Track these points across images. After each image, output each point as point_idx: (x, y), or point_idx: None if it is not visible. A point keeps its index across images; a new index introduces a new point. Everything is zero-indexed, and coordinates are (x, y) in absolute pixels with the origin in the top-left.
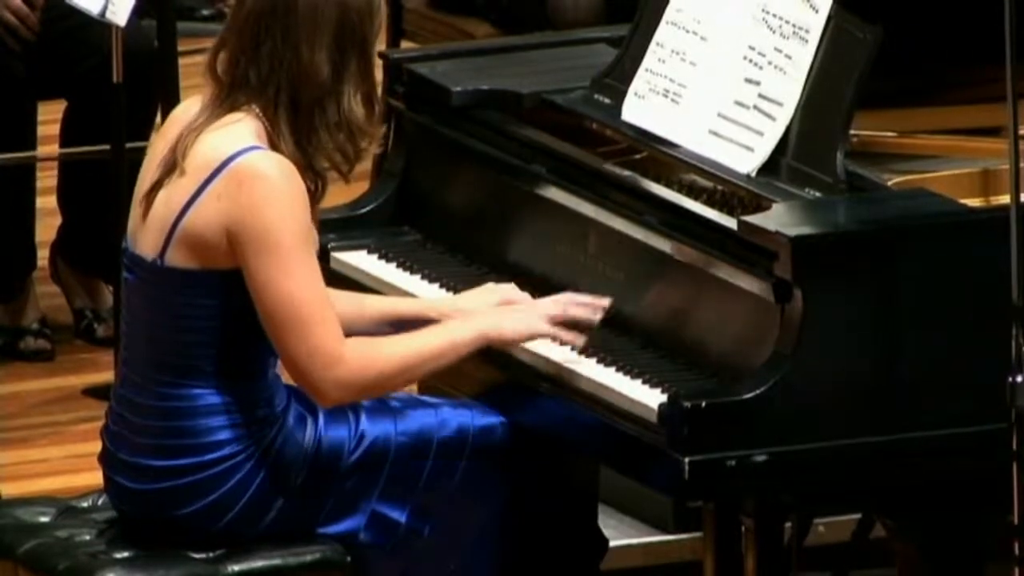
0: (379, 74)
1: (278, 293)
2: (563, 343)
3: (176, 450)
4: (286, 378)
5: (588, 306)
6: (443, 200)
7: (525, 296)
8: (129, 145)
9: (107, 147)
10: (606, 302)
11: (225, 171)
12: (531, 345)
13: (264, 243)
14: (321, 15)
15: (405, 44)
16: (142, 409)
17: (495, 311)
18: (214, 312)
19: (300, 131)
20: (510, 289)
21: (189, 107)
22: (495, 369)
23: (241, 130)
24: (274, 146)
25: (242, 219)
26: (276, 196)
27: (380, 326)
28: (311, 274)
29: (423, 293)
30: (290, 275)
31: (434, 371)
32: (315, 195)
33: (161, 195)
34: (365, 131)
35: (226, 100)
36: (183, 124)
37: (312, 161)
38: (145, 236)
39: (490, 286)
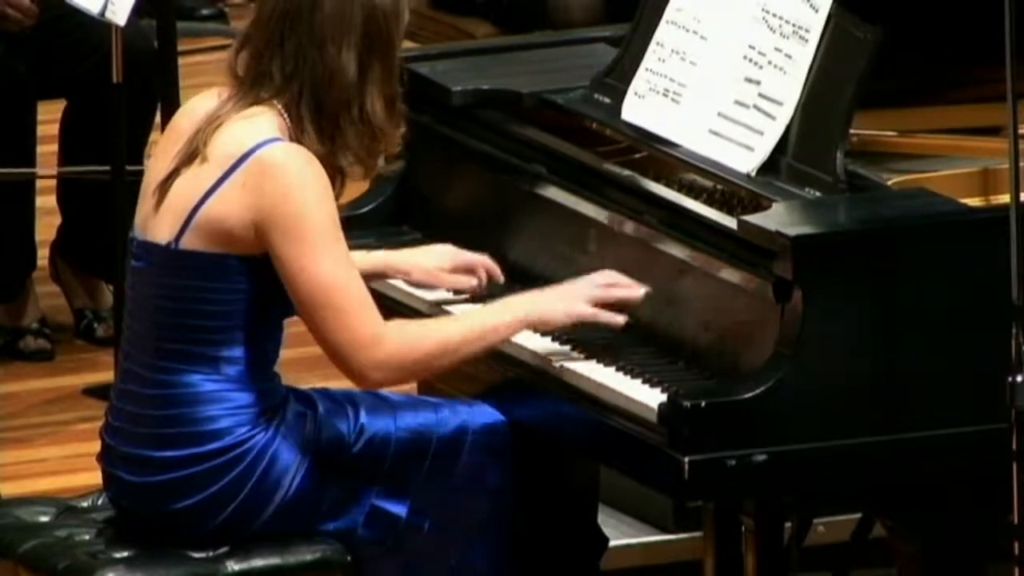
0: None
1: (315, 279)
2: (606, 324)
3: (176, 440)
4: (287, 379)
5: (625, 286)
6: (443, 200)
7: (480, 257)
8: (129, 168)
9: (106, 168)
10: (643, 288)
11: (248, 161)
12: (531, 344)
13: (297, 231)
14: (348, 15)
15: (405, 44)
16: (142, 399)
17: (536, 295)
18: (224, 297)
19: (324, 129)
20: (461, 251)
21: (202, 102)
22: (495, 368)
23: (263, 122)
24: (296, 141)
25: (272, 209)
26: (304, 184)
27: None
28: (345, 258)
29: (422, 292)
30: (325, 260)
31: (473, 354)
32: (335, 189)
33: (179, 182)
34: (385, 132)
35: (247, 95)
36: (198, 118)
37: (335, 158)
38: (159, 223)
39: (443, 247)
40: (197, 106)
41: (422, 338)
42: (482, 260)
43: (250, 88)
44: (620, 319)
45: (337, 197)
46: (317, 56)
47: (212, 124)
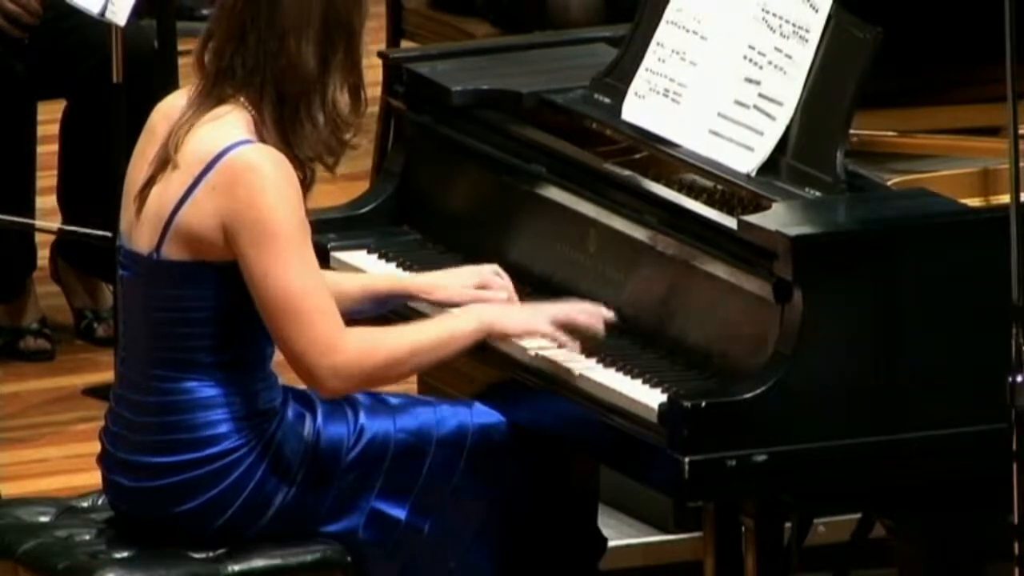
0: (378, 73)
1: (276, 284)
2: (560, 345)
3: (174, 446)
4: (284, 379)
5: (592, 315)
6: (443, 200)
7: (504, 279)
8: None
9: (108, 234)
10: (609, 313)
11: (218, 165)
12: (531, 344)
13: (261, 234)
14: (307, 6)
15: (405, 44)
16: (140, 406)
17: (499, 307)
18: (211, 304)
19: (284, 122)
20: (489, 271)
21: (174, 102)
22: (495, 369)
23: (231, 123)
24: (263, 138)
25: (238, 212)
26: (270, 188)
27: (360, 304)
28: (308, 264)
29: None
30: (288, 266)
31: (434, 362)
32: (303, 185)
33: (155, 190)
34: (349, 123)
35: (213, 92)
36: (171, 119)
37: (296, 152)
38: (140, 232)
39: (470, 268)
40: (169, 106)
41: (381, 346)
42: (505, 285)
43: (215, 84)
44: (575, 344)
45: (306, 196)
46: (277, 48)
47: (183, 128)
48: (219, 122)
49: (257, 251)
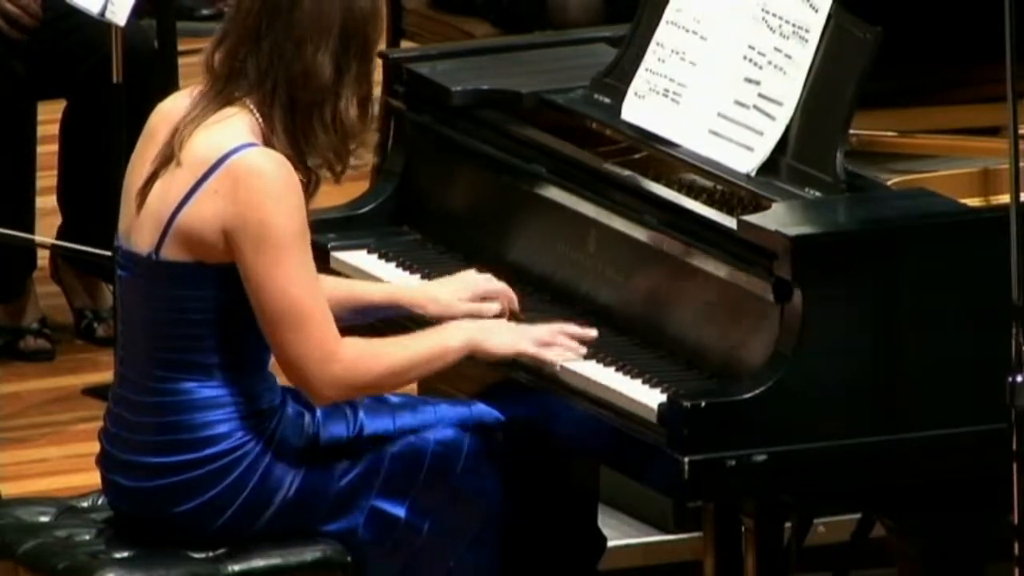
0: (378, 73)
1: (275, 290)
2: (542, 363)
3: (174, 446)
4: (282, 380)
5: (576, 338)
6: (443, 200)
7: (501, 287)
8: None
9: (108, 253)
10: (593, 333)
11: (221, 168)
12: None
13: (262, 240)
14: (326, 15)
15: (405, 44)
16: (139, 407)
17: (488, 322)
18: (210, 305)
19: (295, 128)
20: (484, 280)
21: (174, 103)
22: (494, 369)
23: (237, 125)
24: (267, 142)
25: (240, 216)
26: (273, 193)
27: (352, 312)
28: (307, 271)
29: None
30: (287, 272)
31: (424, 374)
32: (308, 190)
33: (156, 189)
34: (356, 134)
35: (221, 93)
36: (171, 121)
37: (305, 158)
38: (140, 231)
39: (464, 275)
40: (169, 107)
41: (376, 358)
42: (503, 290)
43: (224, 85)
44: (557, 363)
45: (311, 197)
46: (294, 54)
47: (188, 126)
48: (224, 124)
49: (257, 257)
